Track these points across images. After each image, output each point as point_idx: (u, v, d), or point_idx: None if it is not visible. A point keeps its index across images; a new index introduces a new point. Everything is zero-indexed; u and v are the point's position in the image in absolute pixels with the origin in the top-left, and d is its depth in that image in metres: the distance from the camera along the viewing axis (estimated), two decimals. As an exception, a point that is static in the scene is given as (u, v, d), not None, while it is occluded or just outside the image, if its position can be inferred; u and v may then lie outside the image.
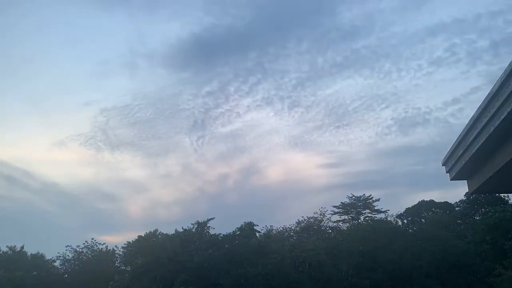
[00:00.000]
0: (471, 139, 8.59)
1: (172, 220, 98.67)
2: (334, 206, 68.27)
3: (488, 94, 7.31)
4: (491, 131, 7.59)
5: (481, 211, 56.23)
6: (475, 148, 8.55)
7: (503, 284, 37.44)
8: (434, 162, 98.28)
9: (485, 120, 7.67)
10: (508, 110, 6.76)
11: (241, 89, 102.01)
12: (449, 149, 10.24)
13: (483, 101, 7.57)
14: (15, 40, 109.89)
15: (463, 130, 8.96)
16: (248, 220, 50.19)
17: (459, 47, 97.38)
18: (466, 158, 9.27)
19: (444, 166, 10.99)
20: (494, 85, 7.04)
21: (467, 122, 8.68)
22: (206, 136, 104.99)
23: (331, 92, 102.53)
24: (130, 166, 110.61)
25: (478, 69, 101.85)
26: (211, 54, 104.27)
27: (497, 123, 7.27)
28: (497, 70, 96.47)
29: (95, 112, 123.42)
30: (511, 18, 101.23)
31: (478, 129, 8.08)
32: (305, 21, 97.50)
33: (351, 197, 68.13)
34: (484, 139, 7.99)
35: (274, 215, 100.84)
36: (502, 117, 7.01)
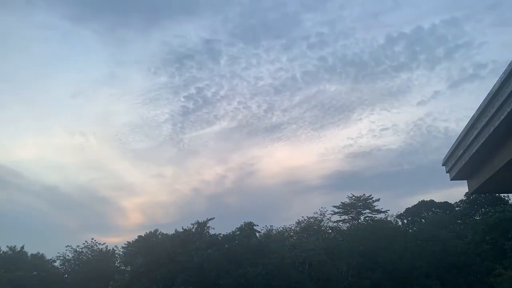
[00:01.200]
0: (471, 139, 8.59)
1: (159, 221, 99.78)
2: (334, 206, 68.38)
3: (488, 94, 7.31)
4: (491, 131, 7.58)
5: (481, 211, 56.26)
6: (475, 148, 8.55)
7: (503, 284, 37.43)
8: (407, 164, 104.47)
9: (485, 120, 7.66)
10: (508, 110, 6.75)
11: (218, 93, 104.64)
12: (449, 149, 10.25)
13: (483, 101, 7.56)
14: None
15: (463, 130, 8.96)
16: (247, 220, 50.34)
17: (420, 53, 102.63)
18: (466, 158, 9.26)
19: (444, 166, 10.99)
20: (494, 85, 7.04)
21: (467, 123, 8.69)
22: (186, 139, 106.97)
23: (303, 98, 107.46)
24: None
25: (437, 73, 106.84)
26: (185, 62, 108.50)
27: (497, 123, 7.27)
28: (456, 75, 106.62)
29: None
30: (463, 27, 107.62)
31: (478, 129, 8.07)
32: (272, 31, 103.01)
33: (351, 197, 68.19)
34: (484, 139, 7.98)
35: (265, 216, 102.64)
36: (502, 117, 7.01)
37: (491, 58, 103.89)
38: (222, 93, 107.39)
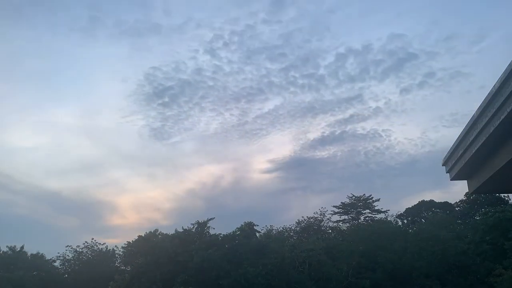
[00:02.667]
0: (471, 139, 8.59)
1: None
2: (334, 206, 68.43)
3: (488, 94, 7.31)
4: (491, 131, 7.59)
5: (481, 211, 56.21)
6: (475, 148, 8.55)
7: (503, 284, 37.42)
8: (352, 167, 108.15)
9: (485, 120, 7.67)
10: (508, 110, 6.76)
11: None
12: (449, 149, 10.25)
13: (483, 101, 7.57)
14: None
15: (463, 130, 8.96)
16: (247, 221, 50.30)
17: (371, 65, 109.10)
18: (466, 158, 9.27)
19: (444, 166, 10.99)
20: (494, 85, 7.04)
21: (466, 123, 8.69)
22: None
23: (269, 104, 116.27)
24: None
25: (389, 82, 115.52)
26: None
27: (497, 123, 7.27)
28: (406, 83, 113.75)
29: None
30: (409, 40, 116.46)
31: (478, 129, 8.08)
32: (230, 41, 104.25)
33: (351, 197, 68.22)
34: (484, 139, 7.99)
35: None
36: (502, 117, 7.01)
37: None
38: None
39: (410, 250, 44.99)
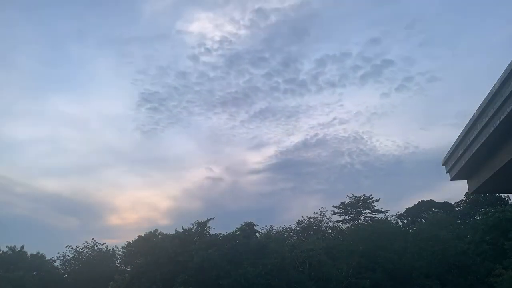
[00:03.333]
0: (471, 139, 8.60)
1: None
2: (334, 206, 68.42)
3: (488, 94, 7.31)
4: (491, 131, 7.59)
5: (481, 211, 56.22)
6: (475, 148, 8.56)
7: (503, 284, 37.41)
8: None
9: (485, 120, 7.67)
10: (508, 110, 6.76)
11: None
12: (449, 149, 10.25)
13: (483, 101, 7.57)
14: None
15: (463, 130, 8.97)
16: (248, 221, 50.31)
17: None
18: (466, 158, 9.27)
19: (444, 166, 10.99)
20: (494, 85, 7.04)
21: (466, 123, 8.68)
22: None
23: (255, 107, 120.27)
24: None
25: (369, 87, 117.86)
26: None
27: (497, 123, 7.27)
28: (385, 88, 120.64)
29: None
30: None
31: (478, 129, 8.08)
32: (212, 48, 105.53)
33: (351, 197, 68.21)
34: (484, 139, 7.99)
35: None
36: (502, 117, 7.02)
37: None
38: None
39: (410, 250, 44.99)
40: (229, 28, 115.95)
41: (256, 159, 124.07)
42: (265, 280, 39.98)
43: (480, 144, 8.23)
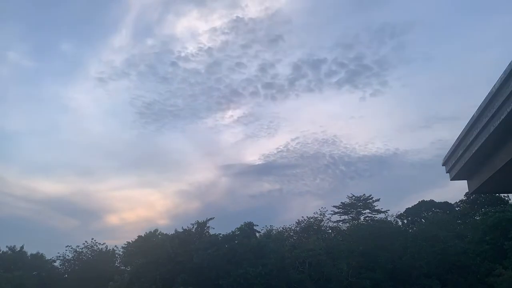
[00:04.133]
0: (471, 139, 8.58)
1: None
2: (334, 206, 68.46)
3: (488, 94, 7.29)
4: (491, 131, 7.57)
5: (481, 211, 56.21)
6: (475, 148, 8.54)
7: (503, 284, 37.42)
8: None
9: (485, 120, 7.65)
10: (508, 110, 6.74)
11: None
12: (449, 149, 10.23)
13: (483, 101, 7.55)
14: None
15: (463, 130, 8.95)
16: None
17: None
18: (466, 158, 9.25)
19: (444, 166, 10.97)
20: (494, 85, 7.02)
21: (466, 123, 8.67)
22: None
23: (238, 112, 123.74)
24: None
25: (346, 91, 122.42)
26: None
27: (497, 123, 7.25)
28: (362, 92, 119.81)
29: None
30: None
31: (478, 129, 8.06)
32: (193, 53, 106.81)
33: (351, 197, 68.23)
34: (484, 139, 7.97)
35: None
36: (502, 117, 7.00)
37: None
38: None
39: (410, 250, 44.97)
40: (208, 36, 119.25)
41: (243, 161, 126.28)
42: (264, 280, 39.97)
43: (480, 144, 8.21)
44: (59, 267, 57.32)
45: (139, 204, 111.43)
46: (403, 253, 44.98)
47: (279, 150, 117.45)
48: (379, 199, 67.50)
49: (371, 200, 67.45)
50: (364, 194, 68.02)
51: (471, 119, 8.34)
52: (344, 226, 64.42)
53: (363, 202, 67.73)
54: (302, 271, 43.30)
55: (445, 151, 10.77)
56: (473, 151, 8.67)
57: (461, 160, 9.61)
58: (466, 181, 10.79)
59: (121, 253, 55.82)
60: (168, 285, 41.81)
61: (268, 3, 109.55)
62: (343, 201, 68.25)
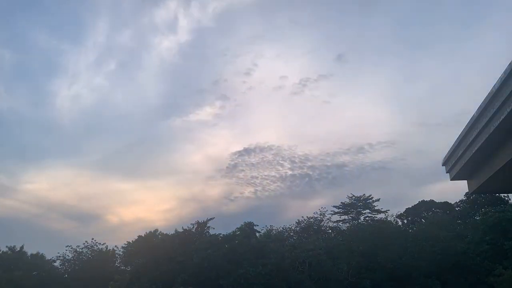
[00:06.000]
0: (471, 139, 8.59)
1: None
2: (334, 206, 68.43)
3: (488, 94, 7.30)
4: (491, 131, 7.58)
5: (481, 211, 56.19)
6: (475, 148, 8.55)
7: (503, 284, 37.42)
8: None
9: (485, 120, 7.66)
10: (508, 110, 6.75)
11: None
12: (449, 149, 10.23)
13: (483, 101, 7.56)
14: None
15: (463, 130, 8.95)
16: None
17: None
18: (466, 158, 9.26)
19: (444, 166, 10.98)
20: (494, 85, 7.03)
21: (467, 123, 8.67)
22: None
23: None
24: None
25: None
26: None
27: (497, 123, 7.26)
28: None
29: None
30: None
31: (478, 129, 8.07)
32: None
33: (351, 197, 68.20)
34: (484, 139, 7.98)
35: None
36: (502, 117, 7.01)
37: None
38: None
39: (410, 250, 44.96)
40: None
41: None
42: (265, 280, 39.97)
43: (480, 144, 8.22)
44: (59, 267, 57.21)
45: (139, 204, 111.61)
46: (403, 253, 44.96)
47: (234, 153, 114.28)
48: (379, 199, 67.57)
49: (371, 200, 67.45)
50: (364, 194, 68.06)
51: (471, 119, 8.35)
52: (344, 226, 64.48)
53: (363, 202, 67.72)
54: (302, 271, 43.29)
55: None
56: (473, 151, 8.68)
57: (461, 160, 9.62)
58: (466, 181, 10.80)
59: (121, 253, 55.74)
60: (168, 285, 41.80)
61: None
62: (343, 201, 68.29)
